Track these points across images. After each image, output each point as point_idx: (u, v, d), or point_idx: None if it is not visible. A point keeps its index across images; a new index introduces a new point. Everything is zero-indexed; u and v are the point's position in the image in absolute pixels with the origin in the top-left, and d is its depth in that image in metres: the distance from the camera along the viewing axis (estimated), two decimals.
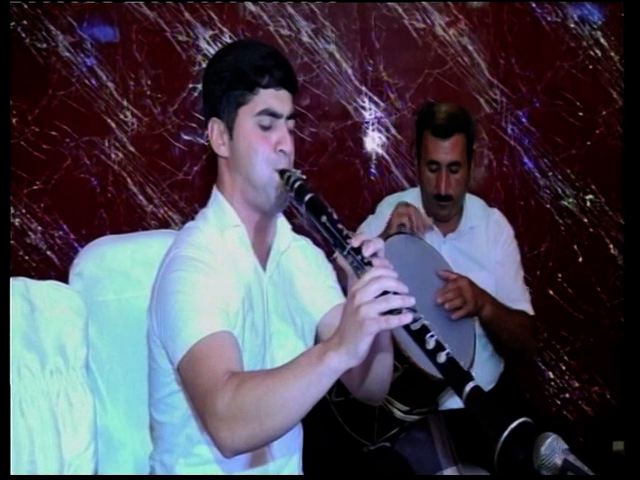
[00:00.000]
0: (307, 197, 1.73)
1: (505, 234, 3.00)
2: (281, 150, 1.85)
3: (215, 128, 1.91)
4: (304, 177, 1.81)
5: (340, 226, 1.64)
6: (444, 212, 2.90)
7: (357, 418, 2.65)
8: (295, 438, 2.02)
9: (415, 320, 1.42)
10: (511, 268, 2.97)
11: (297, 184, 1.78)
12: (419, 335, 1.43)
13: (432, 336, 1.42)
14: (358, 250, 1.55)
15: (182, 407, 1.88)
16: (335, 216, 1.67)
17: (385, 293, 1.41)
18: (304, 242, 2.11)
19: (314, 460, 2.12)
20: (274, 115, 1.85)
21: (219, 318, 1.73)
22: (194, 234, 1.90)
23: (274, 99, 1.85)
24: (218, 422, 1.53)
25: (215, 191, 1.97)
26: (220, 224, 1.91)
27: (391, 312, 1.40)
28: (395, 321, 1.39)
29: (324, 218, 1.66)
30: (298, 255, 2.05)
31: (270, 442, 1.62)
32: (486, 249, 2.95)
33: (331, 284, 2.07)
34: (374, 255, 1.54)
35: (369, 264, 1.52)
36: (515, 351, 2.96)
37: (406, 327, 1.43)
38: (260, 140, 1.85)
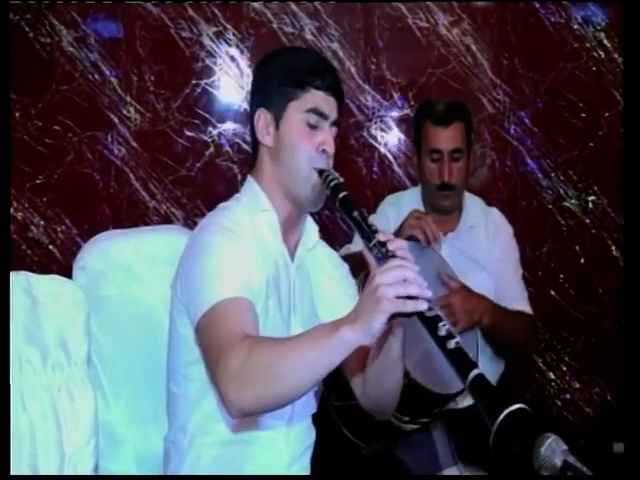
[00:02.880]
0: (341, 195, 1.81)
1: (504, 233, 3.00)
2: (324, 150, 1.91)
3: (262, 118, 1.96)
4: (342, 180, 1.87)
5: (370, 222, 1.73)
6: (447, 203, 2.90)
7: (356, 423, 2.65)
8: (306, 435, 2.04)
9: (430, 309, 1.47)
10: (510, 267, 2.97)
11: (333, 183, 1.85)
12: (432, 322, 1.47)
13: (444, 325, 1.46)
14: (383, 244, 1.62)
15: (199, 380, 1.89)
16: (365, 214, 1.76)
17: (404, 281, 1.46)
18: (332, 250, 2.18)
19: (312, 462, 2.12)
20: (321, 115, 1.92)
21: (242, 284, 1.77)
22: (226, 211, 1.96)
23: (323, 101, 1.92)
24: (228, 379, 1.56)
25: (249, 179, 2.02)
26: (252, 207, 1.96)
27: (408, 298, 1.45)
28: (411, 305, 1.44)
29: (355, 213, 1.75)
30: (325, 259, 2.11)
31: (276, 407, 1.64)
32: (485, 248, 2.95)
33: (353, 294, 2.10)
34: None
35: (393, 256, 1.58)
36: (516, 351, 2.96)
37: (419, 314, 1.47)
38: (305, 137, 1.91)
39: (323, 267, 2.09)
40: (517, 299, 2.88)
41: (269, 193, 1.96)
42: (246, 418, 1.75)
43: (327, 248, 2.16)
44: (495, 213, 3.05)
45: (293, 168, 1.92)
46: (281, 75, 1.93)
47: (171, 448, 1.98)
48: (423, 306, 1.45)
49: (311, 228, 2.07)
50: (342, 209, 1.81)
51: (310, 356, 1.50)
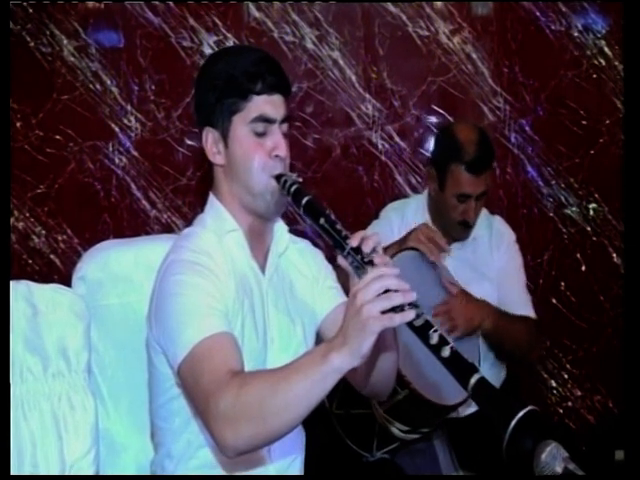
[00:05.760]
0: (304, 200, 1.76)
1: (507, 240, 2.99)
2: (276, 155, 1.86)
3: (210, 137, 1.92)
4: (300, 180, 1.83)
5: (339, 227, 1.66)
6: (464, 235, 2.91)
7: (357, 431, 2.64)
8: (297, 440, 2.01)
9: (418, 316, 1.43)
10: (513, 273, 2.96)
11: (293, 188, 1.80)
12: (422, 331, 1.45)
13: (435, 331, 1.44)
14: (357, 250, 1.58)
15: (182, 413, 1.88)
16: (333, 217, 1.69)
17: (387, 291, 1.42)
18: (302, 244, 2.12)
19: (313, 470, 2.12)
20: (268, 121, 1.86)
21: (219, 320, 1.73)
22: (192, 239, 1.91)
23: (267, 105, 1.86)
24: (221, 422, 1.53)
25: (211, 197, 1.99)
26: (218, 229, 1.92)
27: (394, 309, 1.41)
28: (398, 318, 1.40)
29: (322, 220, 1.69)
30: (297, 257, 2.07)
31: (272, 442, 1.62)
32: (489, 258, 2.95)
33: (331, 284, 2.08)
34: (374, 251, 1.57)
35: (369, 263, 1.54)
36: (518, 356, 2.95)
37: (409, 324, 1.44)
38: (255, 147, 1.86)
39: (296, 266, 2.05)
40: (521, 305, 2.87)
41: (232, 210, 1.93)
42: None
43: (299, 244, 2.11)
44: (498, 221, 3.04)
45: (249, 182, 1.88)
46: (220, 87, 1.86)
47: (158, 472, 1.98)
48: (410, 316, 1.41)
49: (280, 231, 2.02)
50: (307, 216, 1.76)
51: (302, 387, 1.47)
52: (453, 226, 2.87)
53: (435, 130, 3.56)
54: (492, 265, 2.94)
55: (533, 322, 2.89)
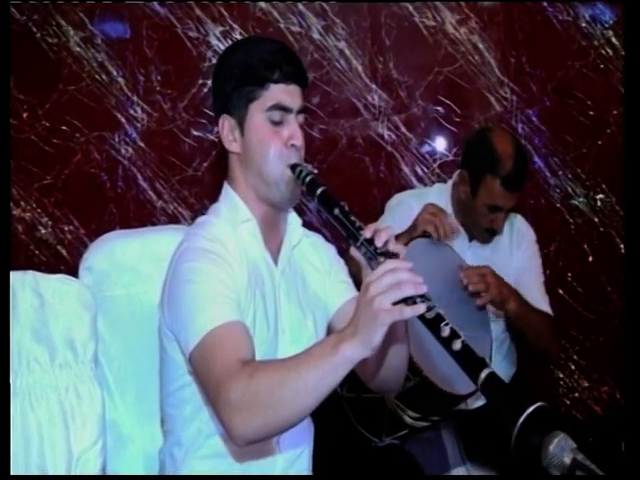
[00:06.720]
0: (319, 191, 1.76)
1: (527, 240, 2.99)
2: (292, 145, 1.87)
3: (226, 124, 1.92)
4: (315, 171, 1.84)
5: (353, 218, 1.67)
6: (490, 239, 2.90)
7: (367, 415, 2.64)
8: (305, 431, 2.01)
9: (429, 309, 1.43)
10: (532, 273, 2.96)
11: (309, 178, 1.81)
12: (433, 323, 1.45)
13: (447, 324, 1.44)
14: (371, 241, 1.58)
15: (193, 400, 1.88)
16: (347, 208, 1.70)
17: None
18: (315, 238, 2.12)
19: (322, 454, 2.12)
20: (285, 109, 1.87)
21: (231, 308, 1.73)
22: (207, 228, 1.91)
23: (284, 94, 1.87)
24: (231, 410, 1.54)
25: (226, 186, 1.98)
26: (232, 219, 1.92)
27: (406, 302, 1.41)
28: (409, 311, 1.40)
29: (336, 210, 1.69)
30: (310, 251, 2.07)
31: (282, 432, 1.63)
32: (509, 257, 2.94)
33: (343, 278, 2.08)
34: (386, 243, 1.56)
35: (382, 254, 1.54)
36: (539, 350, 2.93)
37: (420, 316, 1.44)
38: (271, 135, 1.87)
39: (308, 259, 2.05)
40: (539, 303, 2.85)
41: (246, 200, 1.92)
42: None
43: (312, 237, 2.11)
44: (519, 220, 3.03)
45: (264, 171, 1.88)
46: (237, 76, 1.87)
47: (167, 460, 1.98)
48: (421, 309, 1.41)
49: (293, 223, 2.03)
50: (321, 206, 1.76)
51: (312, 378, 1.47)
52: (479, 230, 2.86)
53: (442, 121, 3.56)
54: (511, 264, 2.92)
55: (552, 318, 2.88)
